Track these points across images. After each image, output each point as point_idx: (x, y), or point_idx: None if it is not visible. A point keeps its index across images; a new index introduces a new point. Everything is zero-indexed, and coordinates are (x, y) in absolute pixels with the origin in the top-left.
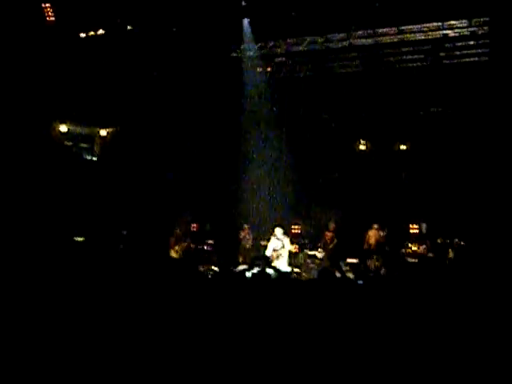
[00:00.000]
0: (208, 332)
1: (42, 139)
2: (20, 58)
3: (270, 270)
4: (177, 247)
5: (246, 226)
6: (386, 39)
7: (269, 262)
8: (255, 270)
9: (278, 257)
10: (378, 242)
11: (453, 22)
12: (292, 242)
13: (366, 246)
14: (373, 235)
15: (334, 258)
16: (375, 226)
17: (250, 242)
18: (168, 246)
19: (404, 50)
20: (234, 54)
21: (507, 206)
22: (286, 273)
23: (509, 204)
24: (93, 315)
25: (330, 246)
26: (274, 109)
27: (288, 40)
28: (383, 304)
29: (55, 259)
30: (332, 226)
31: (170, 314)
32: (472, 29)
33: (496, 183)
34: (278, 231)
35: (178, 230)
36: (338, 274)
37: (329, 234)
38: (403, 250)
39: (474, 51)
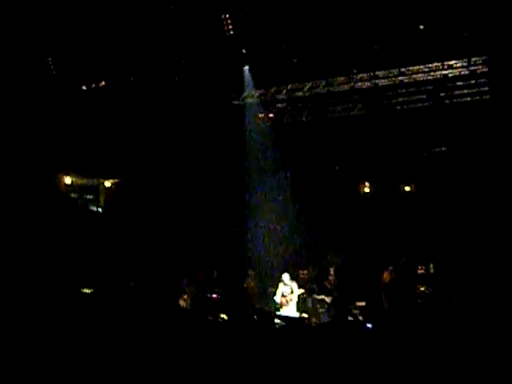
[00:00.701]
0: (220, 380)
1: (48, 192)
2: (24, 110)
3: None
4: (185, 296)
5: (251, 273)
6: (387, 81)
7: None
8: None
9: (287, 302)
10: (389, 283)
11: (452, 62)
12: (300, 287)
13: (380, 287)
14: (386, 277)
15: (342, 301)
16: (390, 267)
17: (255, 289)
18: (177, 295)
19: (405, 91)
20: (236, 102)
21: None
22: (295, 319)
23: None
24: (102, 366)
25: (333, 290)
26: (278, 154)
27: (289, 86)
28: (395, 347)
29: (63, 311)
30: (332, 271)
31: (179, 363)
32: (472, 68)
33: (501, 222)
34: (286, 277)
35: (185, 279)
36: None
37: (331, 279)
38: (412, 291)
39: (474, 90)
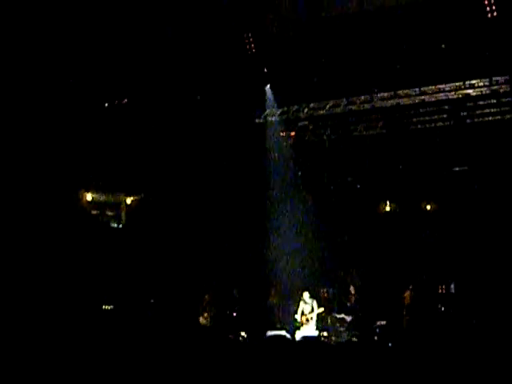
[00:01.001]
0: None
1: (70, 209)
2: (46, 127)
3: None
4: (206, 314)
5: (272, 291)
6: (408, 100)
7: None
8: (283, 333)
9: (307, 321)
10: (410, 302)
11: (474, 82)
12: (320, 306)
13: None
14: (407, 296)
15: (363, 321)
16: (411, 287)
17: (276, 307)
18: (197, 313)
19: (426, 110)
20: (258, 120)
21: None
22: (313, 337)
23: None
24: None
25: (353, 309)
26: (299, 172)
27: (310, 104)
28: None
29: (85, 327)
30: (353, 290)
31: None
32: (493, 87)
33: None
34: (306, 295)
35: (206, 297)
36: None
37: (351, 298)
38: (433, 311)
39: (496, 110)
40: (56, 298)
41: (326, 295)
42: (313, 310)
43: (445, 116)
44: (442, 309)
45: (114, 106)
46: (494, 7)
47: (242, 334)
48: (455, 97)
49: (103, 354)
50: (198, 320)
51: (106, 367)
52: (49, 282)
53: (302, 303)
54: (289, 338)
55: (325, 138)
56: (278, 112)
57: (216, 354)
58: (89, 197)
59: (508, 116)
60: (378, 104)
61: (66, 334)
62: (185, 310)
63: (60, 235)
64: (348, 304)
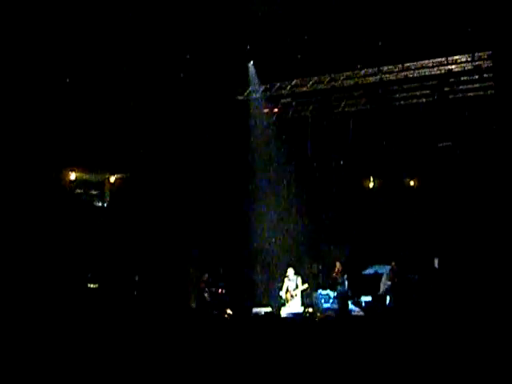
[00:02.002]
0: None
1: (53, 187)
2: (28, 106)
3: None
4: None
5: (258, 268)
6: (391, 76)
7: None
8: (268, 310)
9: (291, 297)
10: (394, 277)
11: (456, 57)
12: (304, 282)
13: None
14: (391, 272)
15: (347, 296)
16: (393, 263)
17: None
18: (183, 290)
19: (409, 86)
20: (241, 97)
21: None
22: (297, 314)
23: None
24: (107, 360)
25: (339, 286)
26: (283, 149)
27: (293, 81)
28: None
29: (69, 306)
30: (338, 266)
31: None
32: (476, 63)
33: (506, 215)
34: (291, 272)
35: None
36: (359, 313)
37: (336, 274)
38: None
39: (478, 85)
40: (40, 277)
41: (312, 271)
42: (297, 286)
43: (428, 92)
44: (425, 284)
45: (99, 83)
46: None
47: (228, 311)
48: (438, 72)
49: (89, 333)
50: (183, 297)
51: (92, 345)
52: (33, 261)
53: (286, 280)
54: (275, 315)
55: (308, 114)
56: (261, 89)
57: (202, 332)
58: (72, 175)
59: (490, 91)
60: (361, 80)
61: (50, 312)
62: (170, 288)
63: (44, 214)
64: (333, 280)
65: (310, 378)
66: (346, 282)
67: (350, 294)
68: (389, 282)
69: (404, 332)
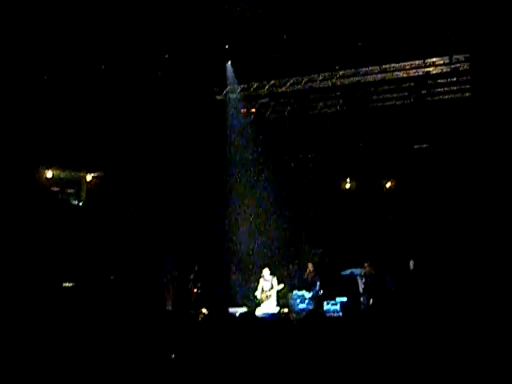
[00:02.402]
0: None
1: (29, 185)
2: (3, 103)
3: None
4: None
5: (233, 268)
6: (369, 78)
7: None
8: (244, 310)
9: (267, 297)
10: (368, 279)
11: (434, 60)
12: (280, 282)
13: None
14: (366, 272)
15: (322, 297)
16: (366, 264)
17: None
18: (159, 290)
19: (387, 88)
20: (218, 97)
21: (493, 241)
22: (272, 314)
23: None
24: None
25: (313, 286)
26: (260, 149)
27: (271, 81)
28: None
29: (44, 305)
30: (310, 267)
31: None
32: (453, 65)
33: (481, 218)
34: (266, 272)
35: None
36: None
37: (309, 274)
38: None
39: (456, 88)
40: (14, 275)
41: (288, 272)
42: (273, 286)
43: (405, 94)
44: (401, 285)
45: (75, 81)
46: None
47: (203, 310)
48: (415, 75)
49: (64, 332)
50: (159, 297)
51: (67, 345)
52: (6, 259)
53: (261, 280)
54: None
55: (286, 114)
56: (239, 89)
57: (178, 332)
58: (49, 173)
59: (467, 94)
60: (339, 81)
61: (25, 311)
62: (145, 287)
63: (19, 211)
64: (305, 280)
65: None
66: (318, 283)
67: (321, 294)
68: (362, 283)
69: (380, 332)
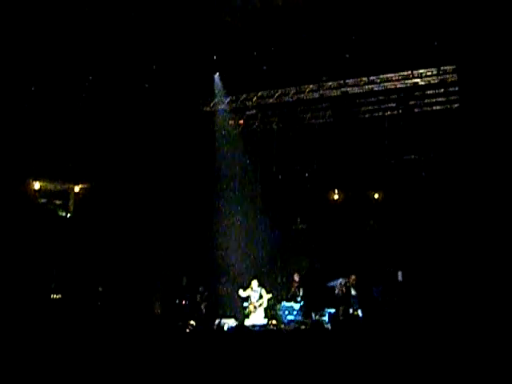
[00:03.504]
0: None
1: (16, 197)
2: None
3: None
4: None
5: (223, 280)
6: (356, 89)
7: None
8: (233, 323)
9: (255, 308)
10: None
11: (422, 71)
12: (268, 293)
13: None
14: (352, 283)
15: (310, 308)
16: (353, 276)
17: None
18: (148, 301)
19: (374, 99)
20: (206, 108)
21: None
22: (261, 326)
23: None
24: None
25: (298, 297)
26: (247, 161)
27: (259, 93)
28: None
29: (31, 317)
30: (296, 277)
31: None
32: (441, 77)
33: (469, 229)
34: (254, 283)
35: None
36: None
37: (295, 285)
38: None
39: (443, 99)
40: (1, 287)
41: (277, 283)
42: (261, 297)
43: (393, 105)
44: (390, 297)
45: (62, 93)
46: None
47: (192, 322)
48: (403, 86)
49: (52, 344)
50: (151, 309)
51: (54, 357)
52: None
53: (250, 291)
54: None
55: (274, 126)
56: (227, 100)
57: (165, 343)
58: (36, 185)
59: (456, 105)
60: (327, 93)
61: (13, 323)
62: (134, 299)
63: (6, 223)
64: (292, 292)
65: None
66: (301, 294)
67: (305, 306)
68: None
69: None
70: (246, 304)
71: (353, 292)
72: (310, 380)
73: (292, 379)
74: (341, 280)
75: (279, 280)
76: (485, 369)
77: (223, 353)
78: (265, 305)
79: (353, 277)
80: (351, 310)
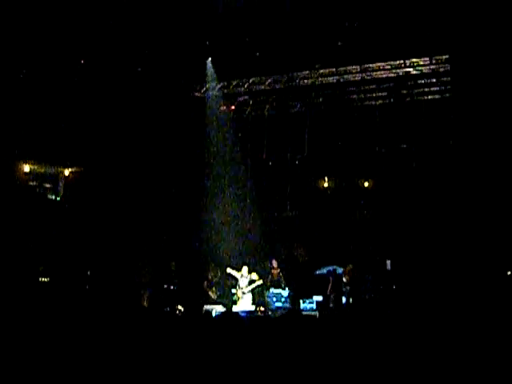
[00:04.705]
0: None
1: (5, 179)
2: None
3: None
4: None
5: (212, 265)
6: (349, 77)
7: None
8: (221, 309)
9: (243, 294)
10: (350, 279)
11: (414, 60)
12: (258, 279)
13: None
14: (347, 272)
15: (297, 295)
16: (350, 265)
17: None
18: (135, 286)
19: (367, 87)
20: (198, 94)
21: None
22: (248, 312)
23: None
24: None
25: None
26: (238, 147)
27: (251, 79)
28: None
29: (20, 300)
30: (275, 263)
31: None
32: (433, 66)
33: (458, 217)
34: (245, 269)
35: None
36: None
37: (275, 272)
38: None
39: (435, 88)
40: None
41: (266, 270)
42: (250, 284)
43: (385, 94)
44: (378, 286)
45: (54, 73)
46: None
47: (179, 307)
48: (396, 75)
49: (40, 327)
50: (139, 294)
51: (42, 341)
52: None
53: (239, 276)
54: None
55: (265, 112)
56: (219, 86)
57: (154, 329)
58: (26, 168)
59: (447, 95)
60: (319, 80)
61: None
62: (122, 283)
63: None
64: (272, 278)
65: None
66: (284, 282)
67: (292, 293)
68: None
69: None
70: (234, 290)
71: (344, 280)
72: (299, 368)
73: (279, 367)
74: (330, 268)
75: (266, 266)
76: (474, 355)
77: (211, 339)
78: (254, 289)
79: (350, 266)
80: (344, 299)
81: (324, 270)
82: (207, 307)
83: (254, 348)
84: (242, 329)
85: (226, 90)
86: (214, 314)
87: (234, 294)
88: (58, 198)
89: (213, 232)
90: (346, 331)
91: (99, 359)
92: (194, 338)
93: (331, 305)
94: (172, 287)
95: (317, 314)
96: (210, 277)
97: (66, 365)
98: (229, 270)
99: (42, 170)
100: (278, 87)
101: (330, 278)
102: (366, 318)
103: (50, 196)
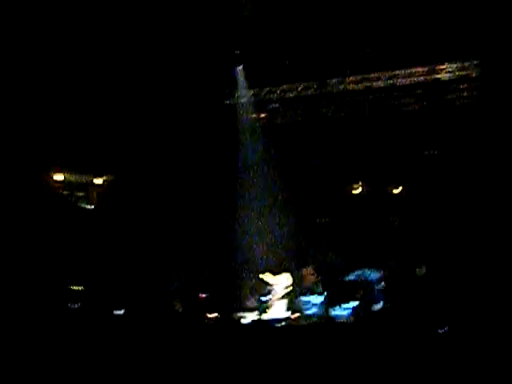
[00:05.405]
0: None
1: (37, 188)
2: (14, 106)
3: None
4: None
5: (246, 272)
6: (380, 83)
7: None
8: (254, 317)
9: (277, 301)
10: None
11: (444, 66)
12: (290, 286)
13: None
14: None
15: (332, 302)
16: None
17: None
18: (169, 295)
19: (397, 93)
20: (228, 102)
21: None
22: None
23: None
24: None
25: (318, 290)
26: (269, 155)
27: (282, 86)
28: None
29: (50, 309)
30: (312, 270)
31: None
32: (464, 72)
33: (491, 225)
34: (279, 276)
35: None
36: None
37: (310, 278)
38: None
39: (466, 94)
40: (25, 279)
41: (298, 276)
42: (284, 290)
43: (415, 100)
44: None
45: (85, 86)
46: None
47: (214, 315)
48: (426, 81)
49: (71, 332)
50: (168, 301)
51: (75, 348)
52: (17, 263)
53: (275, 282)
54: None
55: (297, 119)
56: (250, 93)
57: (189, 336)
58: (59, 176)
59: (478, 100)
60: (350, 87)
61: (35, 313)
62: (156, 291)
63: (27, 215)
64: (306, 285)
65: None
66: (321, 288)
67: (328, 299)
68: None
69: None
70: (267, 297)
71: (379, 286)
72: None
73: (310, 375)
74: (365, 273)
75: (300, 273)
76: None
77: (241, 347)
78: (287, 296)
79: (384, 271)
80: (380, 305)
81: (358, 276)
82: (240, 314)
83: (284, 356)
84: (273, 337)
85: (256, 98)
86: (246, 322)
87: (267, 301)
88: (91, 207)
89: (246, 239)
90: (382, 337)
91: (132, 364)
92: (225, 346)
93: (366, 310)
94: (205, 295)
95: (352, 319)
96: (243, 284)
97: (94, 369)
98: (262, 277)
99: (76, 179)
100: (309, 94)
101: (365, 284)
102: (401, 325)
103: (82, 205)
